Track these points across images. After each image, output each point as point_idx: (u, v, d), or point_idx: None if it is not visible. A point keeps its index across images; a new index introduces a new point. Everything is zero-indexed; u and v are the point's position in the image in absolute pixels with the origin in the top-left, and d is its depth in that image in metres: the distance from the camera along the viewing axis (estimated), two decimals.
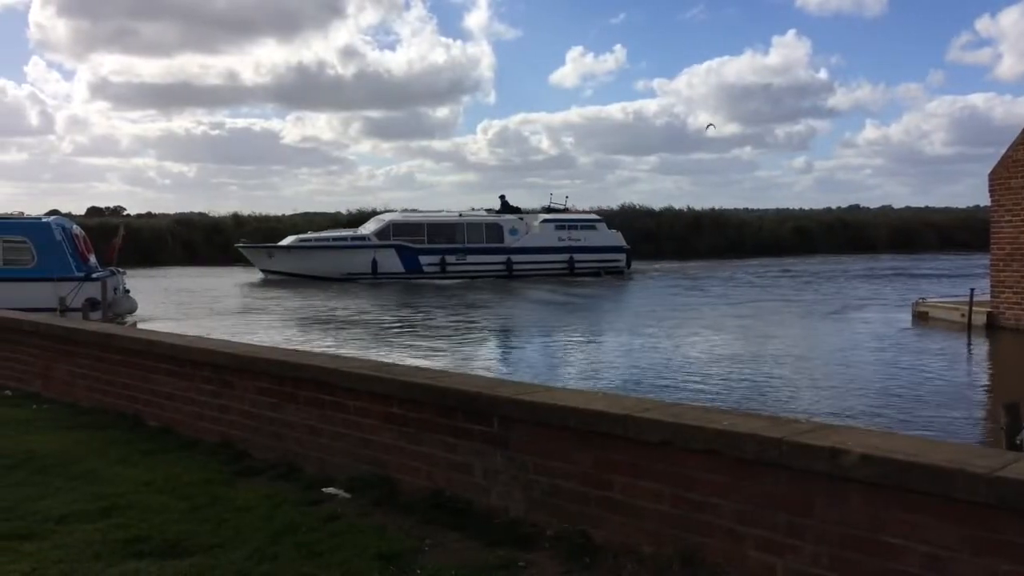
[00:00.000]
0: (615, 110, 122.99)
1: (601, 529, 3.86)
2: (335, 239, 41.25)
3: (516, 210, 43.87)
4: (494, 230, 41.40)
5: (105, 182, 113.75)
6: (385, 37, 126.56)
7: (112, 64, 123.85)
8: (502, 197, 44.10)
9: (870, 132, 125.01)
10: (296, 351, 6.79)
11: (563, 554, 3.83)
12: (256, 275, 40.68)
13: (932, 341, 20.26)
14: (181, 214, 65.05)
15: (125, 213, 69.82)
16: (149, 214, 69.20)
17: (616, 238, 43.17)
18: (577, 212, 45.24)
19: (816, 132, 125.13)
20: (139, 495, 4.86)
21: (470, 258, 40.37)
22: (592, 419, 3.84)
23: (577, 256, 41.49)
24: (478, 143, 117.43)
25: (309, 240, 40.90)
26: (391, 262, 39.60)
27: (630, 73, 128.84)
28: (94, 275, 21.63)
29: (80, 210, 66.12)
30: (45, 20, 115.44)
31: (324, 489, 4.90)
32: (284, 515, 4.47)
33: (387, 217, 42.80)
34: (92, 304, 20.40)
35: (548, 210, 45.03)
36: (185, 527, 4.32)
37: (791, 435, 3.30)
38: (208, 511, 4.57)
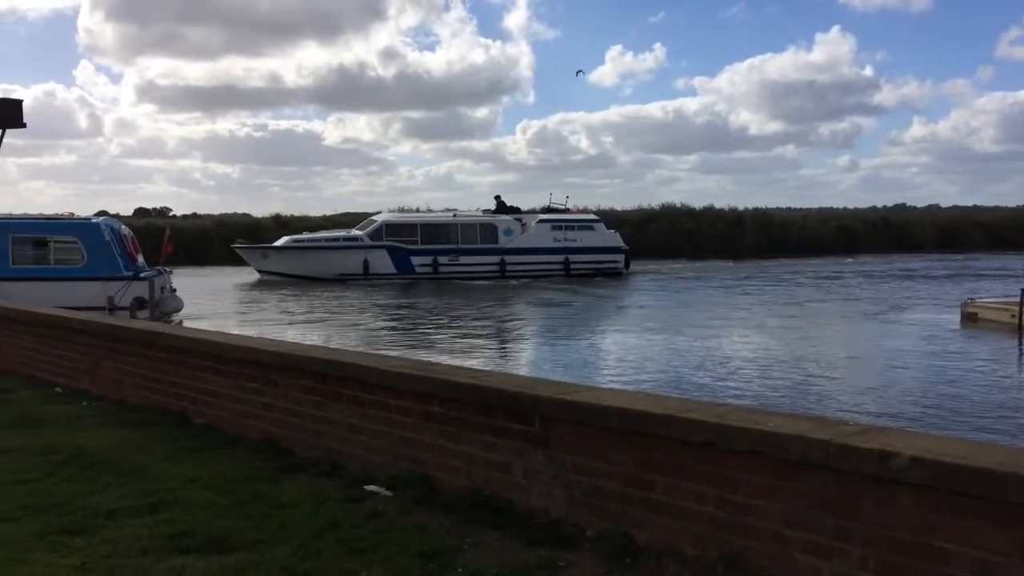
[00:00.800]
0: (655, 109, 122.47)
1: (643, 530, 3.83)
2: (328, 240, 41.13)
3: (515, 210, 43.26)
4: (488, 231, 40.94)
5: (152, 183, 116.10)
6: (425, 38, 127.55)
7: (159, 67, 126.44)
8: (497, 197, 43.62)
9: (917, 129, 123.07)
10: (338, 350, 6.85)
11: (604, 555, 3.80)
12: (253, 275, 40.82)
13: (981, 343, 19.84)
14: (225, 215, 66.09)
15: (171, 214, 71.22)
16: (194, 215, 70.44)
17: (613, 239, 42.43)
18: (577, 212, 44.58)
19: (861, 130, 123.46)
20: (185, 491, 4.93)
21: (463, 259, 39.93)
22: (635, 419, 3.81)
23: (573, 257, 40.90)
24: (517, 143, 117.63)
25: (302, 241, 40.72)
26: (383, 263, 39.41)
27: (670, 72, 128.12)
28: (142, 274, 22.02)
29: (128, 211, 67.69)
30: (94, 25, 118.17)
31: (366, 487, 4.93)
32: (327, 512, 4.50)
33: (380, 218, 42.43)
34: (140, 303, 20.77)
35: (548, 210, 44.39)
36: (230, 523, 4.38)
37: (839, 437, 3.24)
38: (252, 507, 4.62)
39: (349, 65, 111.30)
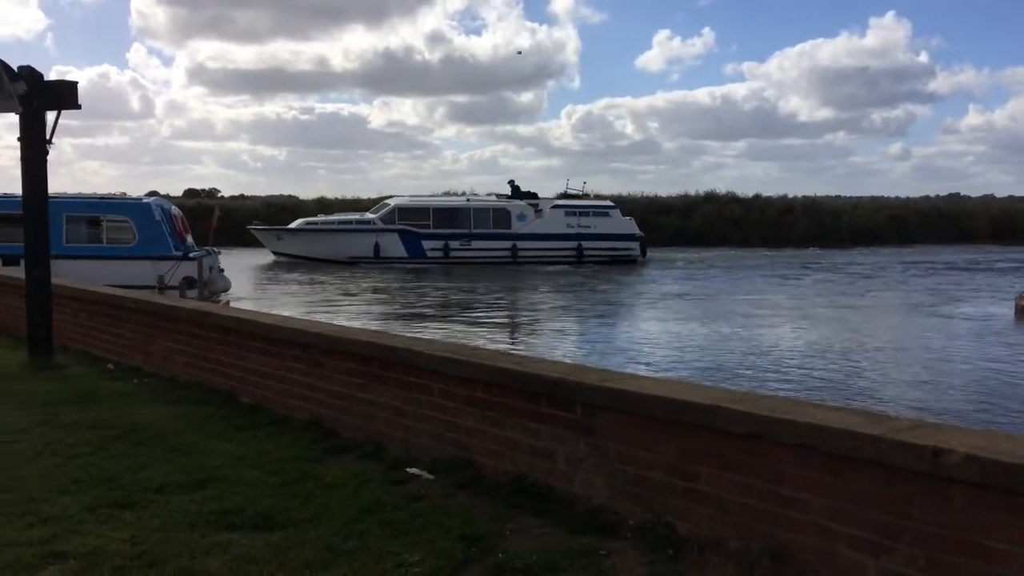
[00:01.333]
0: (702, 95, 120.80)
1: (686, 521, 3.80)
2: (340, 223, 41.15)
3: (532, 195, 42.73)
4: (501, 215, 40.57)
5: (201, 165, 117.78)
6: (471, 22, 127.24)
7: (208, 50, 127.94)
8: (511, 182, 43.21)
9: (973, 118, 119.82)
10: (384, 333, 6.90)
11: (646, 544, 3.79)
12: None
13: None
14: (272, 197, 66.85)
15: (220, 195, 72.15)
16: (242, 196, 71.39)
17: (629, 226, 41.73)
18: (594, 199, 43.90)
19: (915, 117, 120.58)
20: (233, 469, 5.02)
21: (474, 243, 39.67)
22: (679, 409, 3.78)
23: (586, 244, 40.30)
24: (562, 128, 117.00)
25: (316, 223, 40.73)
26: (394, 246, 39.34)
27: (718, 57, 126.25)
28: (191, 254, 22.41)
29: (178, 192, 68.70)
30: (146, 7, 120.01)
31: (408, 469, 4.97)
32: (370, 493, 4.55)
33: (393, 201, 42.24)
34: (189, 282, 21.15)
35: (565, 196, 43.89)
36: (276, 501, 4.45)
37: (889, 432, 3.18)
38: (298, 487, 4.69)
39: (395, 49, 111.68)
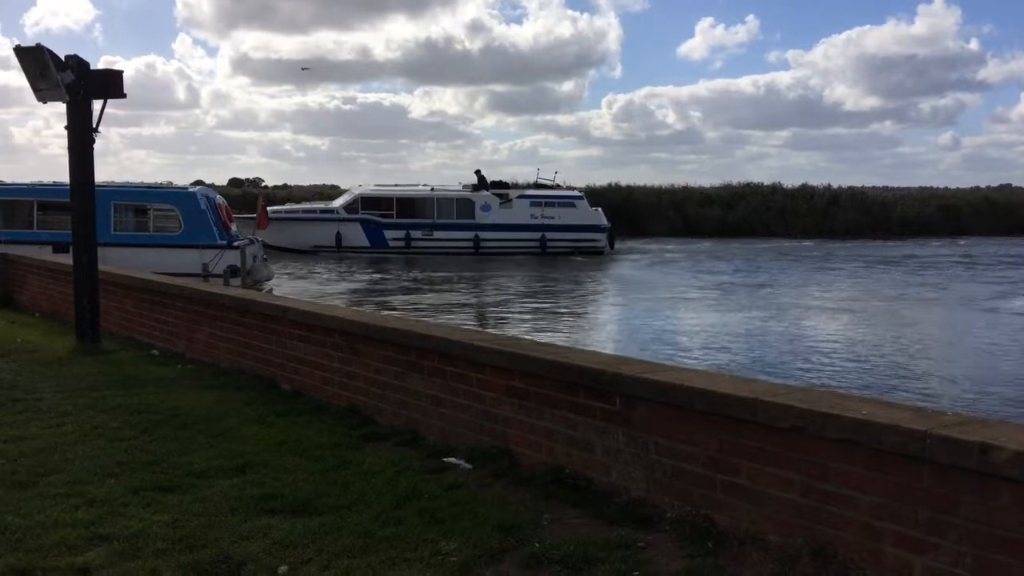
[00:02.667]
0: (745, 83, 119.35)
1: (725, 515, 3.75)
2: (304, 211, 40.96)
3: (503, 185, 42.31)
4: (466, 206, 40.16)
5: (245, 154, 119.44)
6: (512, 11, 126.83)
7: (252, 41, 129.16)
8: (478, 172, 42.56)
9: None
10: (422, 322, 6.91)
11: (684, 537, 3.75)
12: None
13: None
14: (315, 186, 67.44)
15: (263, 184, 73.03)
16: (285, 185, 72.17)
17: (595, 216, 41.14)
18: (564, 189, 43.36)
19: (965, 106, 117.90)
20: (273, 454, 5.07)
21: (437, 234, 39.27)
22: (720, 401, 3.73)
23: (550, 235, 39.86)
24: (602, 117, 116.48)
25: (280, 212, 40.08)
26: (356, 236, 39.06)
27: (762, 44, 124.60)
28: (235, 243, 22.70)
29: (222, 181, 69.72)
30: None
31: (445, 458, 4.98)
32: (408, 481, 4.56)
33: (358, 190, 41.93)
34: (233, 271, 21.43)
35: (536, 186, 43.44)
36: (315, 487, 4.48)
37: (937, 428, 3.09)
38: (336, 473, 4.72)
39: (436, 38, 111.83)
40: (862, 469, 3.28)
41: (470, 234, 39.63)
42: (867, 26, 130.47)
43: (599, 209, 41.96)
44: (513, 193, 41.45)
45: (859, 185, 63.51)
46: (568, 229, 40.27)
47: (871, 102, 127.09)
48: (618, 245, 41.69)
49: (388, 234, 39.55)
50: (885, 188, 70.52)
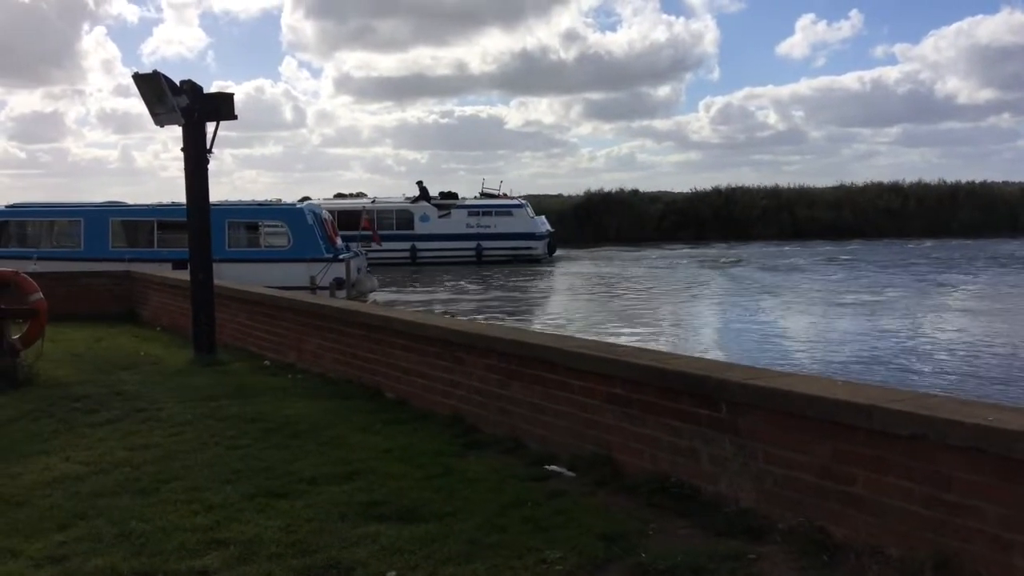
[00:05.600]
0: (850, 80, 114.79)
1: (841, 526, 3.60)
2: None
3: (452, 196, 43.01)
4: (404, 217, 40.93)
5: (349, 170, 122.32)
6: (607, 19, 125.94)
7: (354, 60, 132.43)
8: (420, 183, 43.27)
9: None
10: (522, 330, 6.93)
11: (798, 549, 3.61)
12: None
13: None
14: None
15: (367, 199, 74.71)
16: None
17: (533, 224, 41.68)
18: (507, 198, 43.64)
19: None
20: (379, 462, 5.16)
21: (373, 245, 39.92)
22: (833, 408, 3.58)
23: (485, 243, 40.44)
24: (700, 121, 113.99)
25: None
26: None
27: (867, 39, 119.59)
28: (340, 256, 23.33)
29: (328, 196, 71.65)
30: (296, 23, 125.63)
31: (547, 466, 4.96)
32: (511, 489, 4.57)
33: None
34: (338, 283, 22.03)
35: (483, 196, 44.06)
36: (420, 495, 4.53)
37: None
38: (441, 481, 4.77)
39: (531, 49, 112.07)
40: (989, 478, 3.09)
41: (407, 244, 40.62)
42: (979, 16, 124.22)
43: (540, 217, 42.98)
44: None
45: (976, 180, 60.33)
46: (504, 237, 41.20)
47: (986, 94, 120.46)
48: (741, 250, 40.97)
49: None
50: (1005, 183, 66.87)
